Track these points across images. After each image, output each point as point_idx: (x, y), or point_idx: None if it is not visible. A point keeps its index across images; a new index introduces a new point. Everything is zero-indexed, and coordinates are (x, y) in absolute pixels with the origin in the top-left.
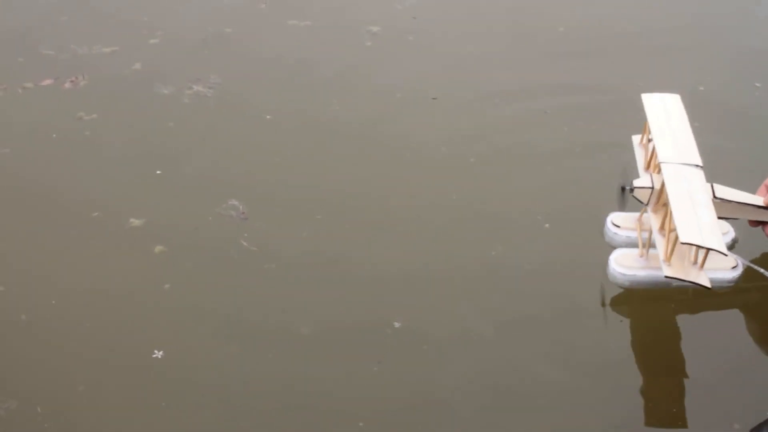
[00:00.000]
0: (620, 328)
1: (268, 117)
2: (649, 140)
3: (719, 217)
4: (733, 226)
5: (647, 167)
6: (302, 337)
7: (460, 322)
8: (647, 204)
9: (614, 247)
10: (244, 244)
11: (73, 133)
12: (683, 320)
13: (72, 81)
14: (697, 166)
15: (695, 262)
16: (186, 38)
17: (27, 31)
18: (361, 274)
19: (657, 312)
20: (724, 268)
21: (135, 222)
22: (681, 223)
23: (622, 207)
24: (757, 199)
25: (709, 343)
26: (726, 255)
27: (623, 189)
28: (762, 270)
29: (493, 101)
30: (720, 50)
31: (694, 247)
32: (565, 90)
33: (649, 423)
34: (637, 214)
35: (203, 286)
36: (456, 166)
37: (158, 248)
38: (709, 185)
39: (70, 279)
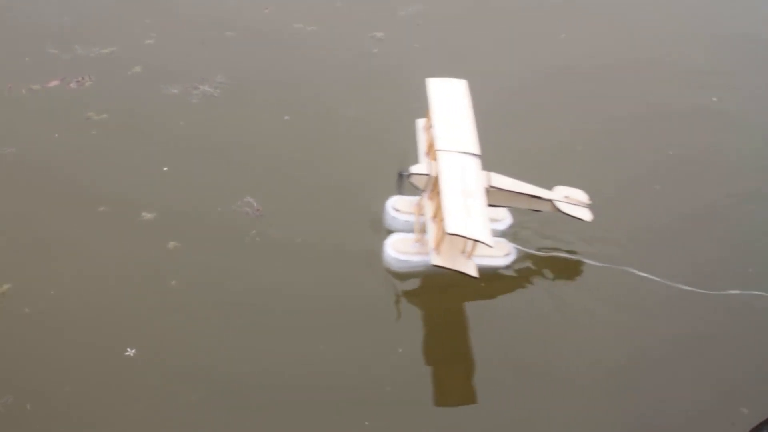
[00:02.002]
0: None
1: (286, 117)
2: (432, 126)
3: (495, 205)
4: (512, 211)
5: (427, 153)
6: (310, 335)
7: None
8: (424, 190)
9: (393, 232)
10: (258, 239)
11: (82, 133)
12: (474, 306)
13: (77, 81)
14: (474, 154)
15: (464, 251)
16: (184, 41)
17: (30, 32)
18: (368, 269)
19: (447, 299)
20: (497, 256)
21: (147, 216)
22: (449, 213)
23: (401, 192)
24: (531, 189)
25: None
26: (490, 246)
27: (401, 175)
28: (535, 251)
29: (501, 112)
30: (731, 61)
31: (459, 240)
32: (574, 103)
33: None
34: (417, 199)
35: (210, 282)
36: None
37: (172, 244)
38: (485, 174)
39: (76, 275)
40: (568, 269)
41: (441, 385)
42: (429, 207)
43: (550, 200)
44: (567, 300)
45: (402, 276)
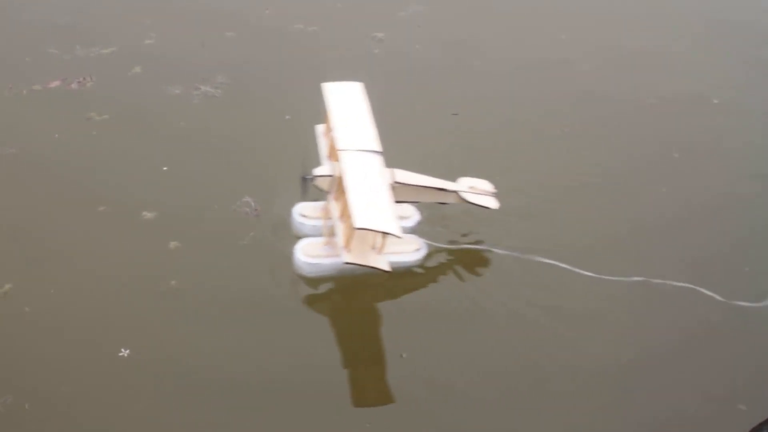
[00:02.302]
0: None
1: (287, 117)
2: (331, 129)
3: (402, 201)
4: (421, 208)
5: (329, 156)
6: (310, 336)
7: None
8: (329, 192)
9: (302, 237)
10: (256, 240)
11: (83, 134)
12: (384, 306)
13: (79, 82)
14: (376, 151)
15: (374, 247)
16: (184, 41)
17: (31, 32)
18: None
19: (358, 300)
20: (408, 251)
21: (147, 215)
22: (356, 209)
23: (305, 197)
24: (436, 182)
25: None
26: (400, 237)
27: (304, 179)
28: (447, 245)
29: (501, 114)
30: (733, 63)
31: (374, 233)
32: (579, 105)
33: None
34: (323, 203)
35: (210, 282)
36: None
37: (173, 244)
38: (389, 170)
39: (76, 275)
40: (481, 262)
41: (359, 386)
42: (335, 208)
43: (455, 191)
44: (483, 293)
45: (314, 281)
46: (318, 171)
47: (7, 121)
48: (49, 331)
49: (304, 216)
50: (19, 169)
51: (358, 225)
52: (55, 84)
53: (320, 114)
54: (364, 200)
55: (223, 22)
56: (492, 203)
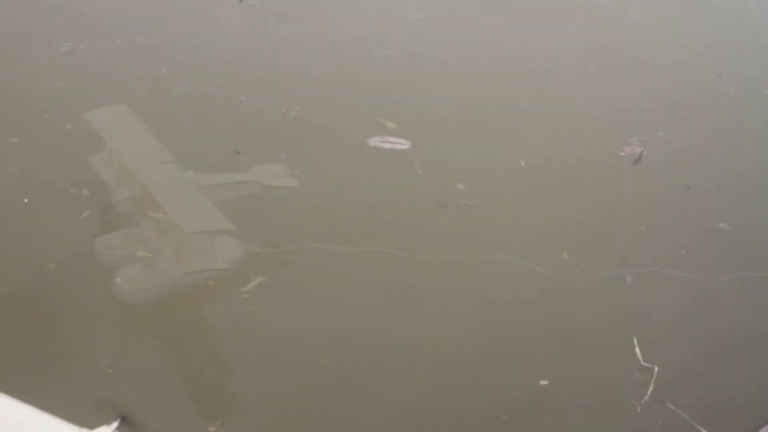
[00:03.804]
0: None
1: (297, 108)
2: (117, 152)
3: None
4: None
5: (121, 180)
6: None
7: None
8: (134, 214)
9: (118, 268)
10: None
11: (84, 130)
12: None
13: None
14: (171, 162)
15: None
16: (180, 44)
17: (32, 34)
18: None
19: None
20: (227, 252)
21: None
22: (179, 216)
23: (114, 226)
24: (233, 177)
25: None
26: (234, 229)
27: (106, 208)
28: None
29: (504, 117)
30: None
31: (201, 237)
32: (579, 106)
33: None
34: (125, 231)
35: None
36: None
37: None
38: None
39: (77, 272)
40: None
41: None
42: (150, 226)
43: (254, 181)
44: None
45: (149, 304)
46: (118, 196)
47: (9, 118)
48: (46, 327)
49: (110, 248)
50: (26, 162)
51: (190, 230)
52: (57, 84)
53: (326, 112)
54: (181, 208)
55: (224, 30)
56: (292, 182)
